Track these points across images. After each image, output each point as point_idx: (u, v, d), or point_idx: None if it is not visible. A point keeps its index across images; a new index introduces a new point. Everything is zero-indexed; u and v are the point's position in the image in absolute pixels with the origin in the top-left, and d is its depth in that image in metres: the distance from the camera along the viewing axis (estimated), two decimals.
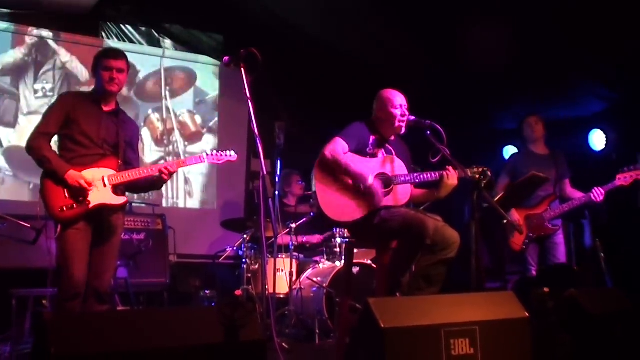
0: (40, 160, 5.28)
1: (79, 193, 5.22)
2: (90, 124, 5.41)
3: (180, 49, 10.13)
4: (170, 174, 5.56)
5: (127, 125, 5.72)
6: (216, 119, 10.38)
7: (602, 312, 4.68)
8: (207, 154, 5.78)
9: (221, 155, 5.83)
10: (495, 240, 7.33)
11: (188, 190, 10.06)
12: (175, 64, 10.23)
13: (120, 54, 5.58)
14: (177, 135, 10.11)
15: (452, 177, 5.40)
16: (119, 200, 5.43)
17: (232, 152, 5.87)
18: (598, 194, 6.94)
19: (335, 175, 5.46)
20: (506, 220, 6.21)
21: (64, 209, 5.19)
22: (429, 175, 5.49)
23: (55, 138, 5.47)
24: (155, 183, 5.70)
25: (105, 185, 5.33)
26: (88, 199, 5.25)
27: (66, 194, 5.22)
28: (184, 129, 10.23)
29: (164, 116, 10.08)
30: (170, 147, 10.05)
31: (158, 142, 9.99)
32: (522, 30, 7.54)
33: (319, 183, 5.48)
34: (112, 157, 5.45)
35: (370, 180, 5.37)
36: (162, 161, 9.56)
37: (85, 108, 5.47)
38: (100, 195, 5.31)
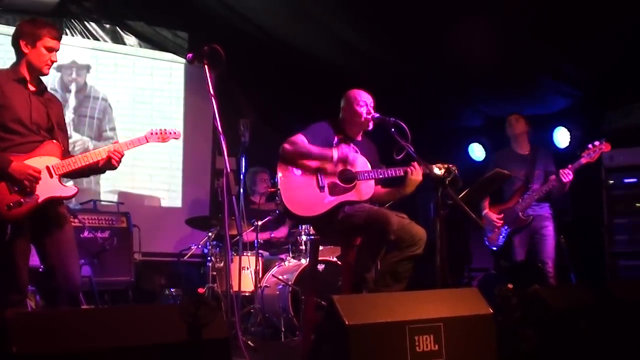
0: None
1: (26, 186, 4.62)
2: (21, 108, 4.76)
3: (145, 46, 10.06)
4: (120, 158, 4.97)
5: (54, 104, 5.07)
6: (181, 116, 10.29)
7: (566, 308, 4.71)
8: (150, 133, 5.26)
9: (165, 133, 5.32)
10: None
11: (153, 187, 9.98)
12: (140, 61, 10.14)
13: (60, 34, 4.98)
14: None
15: (416, 173, 5.42)
16: (69, 191, 4.87)
17: (176, 129, 5.42)
18: (566, 173, 7.10)
19: (297, 167, 5.48)
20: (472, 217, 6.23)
21: (12, 206, 4.57)
22: (393, 171, 5.50)
23: None
24: (100, 167, 5.04)
25: (52, 176, 4.75)
26: (36, 192, 4.66)
27: (10, 190, 4.59)
28: None
29: None
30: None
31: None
32: (487, 29, 7.57)
33: (282, 180, 5.52)
34: (51, 142, 4.84)
35: (335, 153, 5.40)
36: None
37: (14, 91, 4.80)
38: (49, 187, 4.73)
